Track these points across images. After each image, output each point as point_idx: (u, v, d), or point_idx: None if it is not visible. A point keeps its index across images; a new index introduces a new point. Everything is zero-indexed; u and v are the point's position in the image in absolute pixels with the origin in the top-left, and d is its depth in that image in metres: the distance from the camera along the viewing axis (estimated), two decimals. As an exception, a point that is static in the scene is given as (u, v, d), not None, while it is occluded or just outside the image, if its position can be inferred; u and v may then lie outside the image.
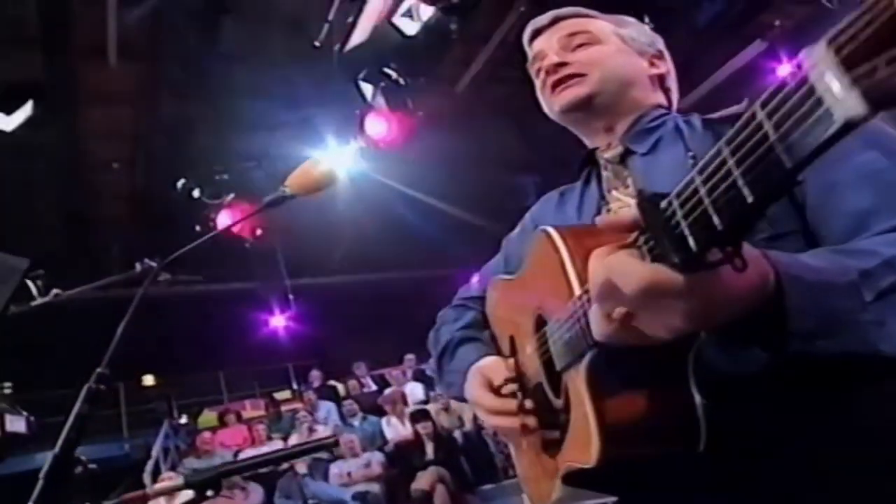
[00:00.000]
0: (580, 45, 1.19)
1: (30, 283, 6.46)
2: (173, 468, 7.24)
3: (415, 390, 7.88)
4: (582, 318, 0.80)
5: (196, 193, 7.19)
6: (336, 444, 1.55)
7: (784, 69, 6.09)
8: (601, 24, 1.22)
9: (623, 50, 1.20)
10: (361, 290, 9.46)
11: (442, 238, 8.42)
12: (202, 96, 6.40)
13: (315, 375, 8.98)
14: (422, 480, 6.18)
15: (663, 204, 0.61)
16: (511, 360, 1.16)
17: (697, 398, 0.80)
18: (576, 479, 0.94)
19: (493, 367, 1.18)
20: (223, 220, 7.56)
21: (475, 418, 6.60)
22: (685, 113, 1.18)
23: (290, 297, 8.98)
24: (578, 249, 0.87)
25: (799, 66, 0.45)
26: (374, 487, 6.38)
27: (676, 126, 1.11)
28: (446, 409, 7.16)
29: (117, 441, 10.38)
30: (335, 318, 9.45)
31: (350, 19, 4.51)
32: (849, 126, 0.43)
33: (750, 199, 0.51)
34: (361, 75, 5.30)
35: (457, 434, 6.92)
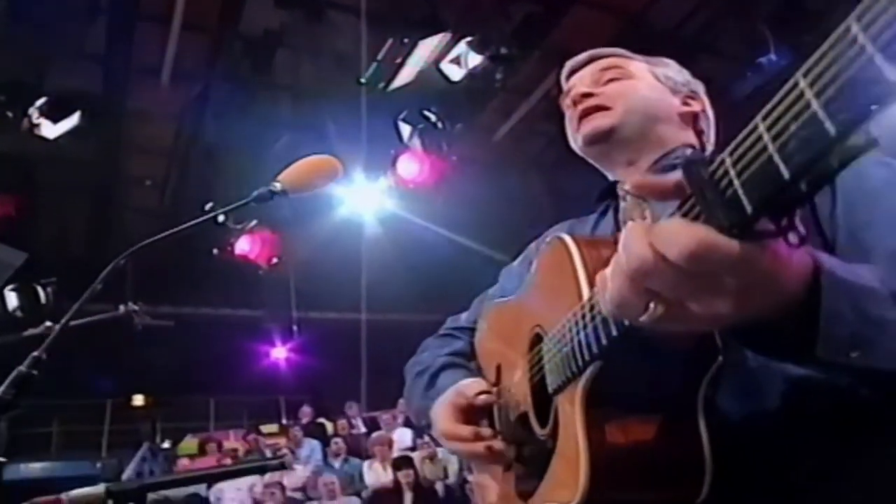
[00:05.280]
0: (611, 80, 1.17)
1: (40, 289, 6.52)
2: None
3: (403, 436, 7.75)
4: (590, 323, 0.72)
5: (221, 218, 7.44)
6: (282, 466, 1.58)
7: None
8: (637, 63, 1.22)
9: (654, 86, 1.18)
10: (370, 330, 9.28)
11: (463, 280, 8.26)
12: (244, 122, 6.66)
13: (305, 412, 8.85)
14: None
15: (714, 164, 0.54)
16: (494, 389, 1.07)
17: (704, 435, 0.73)
18: None
19: (473, 386, 1.09)
20: (242, 245, 7.74)
21: (460, 471, 6.50)
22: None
23: (295, 329, 8.89)
24: (592, 255, 0.81)
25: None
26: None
27: None
28: (431, 458, 6.97)
29: (92, 460, 10.06)
30: (336, 356, 9.31)
31: (398, 60, 4.68)
32: None
33: (786, 176, 0.47)
34: (402, 116, 5.44)
35: (438, 486, 6.71)
